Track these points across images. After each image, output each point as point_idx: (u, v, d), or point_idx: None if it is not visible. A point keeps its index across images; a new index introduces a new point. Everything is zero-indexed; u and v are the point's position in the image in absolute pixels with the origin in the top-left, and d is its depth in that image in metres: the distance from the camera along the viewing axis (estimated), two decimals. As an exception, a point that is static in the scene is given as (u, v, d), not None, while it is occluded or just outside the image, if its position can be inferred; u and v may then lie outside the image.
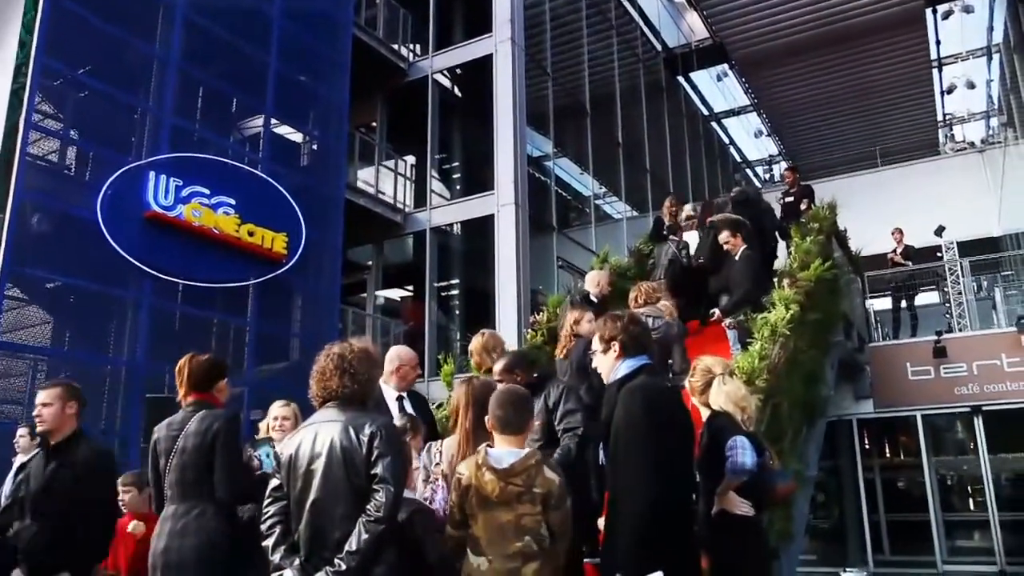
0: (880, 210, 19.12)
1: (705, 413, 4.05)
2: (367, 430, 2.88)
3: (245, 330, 10.88)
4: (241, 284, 10.62)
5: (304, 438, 2.96)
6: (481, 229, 13.60)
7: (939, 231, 15.36)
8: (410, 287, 15.58)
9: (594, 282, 7.46)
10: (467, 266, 14.93)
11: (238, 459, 3.75)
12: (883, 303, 14.86)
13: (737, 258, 7.63)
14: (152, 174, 9.75)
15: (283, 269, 11.04)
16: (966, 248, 16.58)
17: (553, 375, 4.45)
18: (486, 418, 3.36)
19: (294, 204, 11.33)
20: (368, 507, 2.79)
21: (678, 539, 3.10)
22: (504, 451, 3.19)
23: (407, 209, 14.79)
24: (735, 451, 3.62)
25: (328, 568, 2.76)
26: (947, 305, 14.56)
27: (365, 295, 15.25)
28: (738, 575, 3.64)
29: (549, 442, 4.22)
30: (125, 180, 9.54)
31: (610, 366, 3.43)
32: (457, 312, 14.97)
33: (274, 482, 3.01)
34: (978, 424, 12.59)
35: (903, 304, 13.81)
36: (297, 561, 2.84)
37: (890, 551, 13.19)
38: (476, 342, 5.21)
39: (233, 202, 10.53)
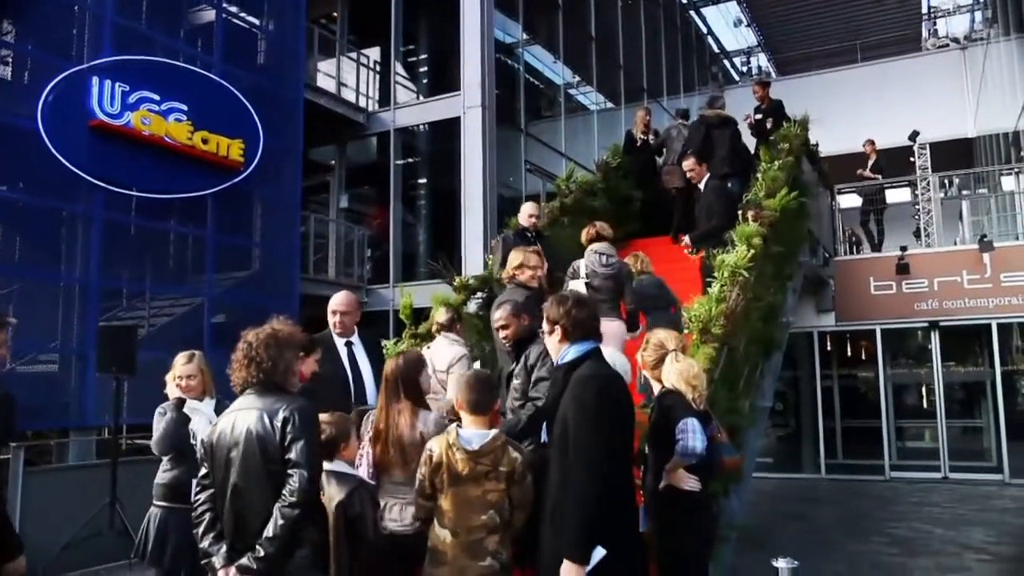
0: (858, 107, 18.90)
1: (657, 387, 4.04)
2: (280, 415, 2.93)
3: (204, 241, 10.58)
4: (197, 195, 10.25)
5: (224, 426, 3.04)
6: (447, 131, 13.15)
7: (913, 136, 15.24)
8: (375, 186, 15.19)
9: (527, 214, 6.95)
10: (433, 168, 14.52)
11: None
12: (850, 200, 14.78)
13: (703, 187, 7.47)
14: (95, 79, 9.20)
15: (240, 177, 10.66)
16: (939, 150, 16.47)
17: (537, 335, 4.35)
18: (456, 399, 3.56)
19: (250, 108, 10.83)
20: (283, 492, 2.85)
21: (622, 521, 3.15)
22: (473, 432, 3.39)
23: (370, 109, 14.23)
24: (686, 435, 3.65)
25: (249, 554, 2.84)
26: (916, 207, 14.57)
27: (328, 195, 14.87)
28: (683, 547, 3.75)
29: (527, 403, 4.19)
30: (67, 86, 8.99)
31: (555, 349, 3.38)
32: (423, 215, 14.68)
33: (203, 470, 3.09)
34: (934, 338, 12.90)
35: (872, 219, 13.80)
36: (224, 548, 2.93)
37: (843, 455, 13.70)
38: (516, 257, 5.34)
39: (185, 108, 10.03)
